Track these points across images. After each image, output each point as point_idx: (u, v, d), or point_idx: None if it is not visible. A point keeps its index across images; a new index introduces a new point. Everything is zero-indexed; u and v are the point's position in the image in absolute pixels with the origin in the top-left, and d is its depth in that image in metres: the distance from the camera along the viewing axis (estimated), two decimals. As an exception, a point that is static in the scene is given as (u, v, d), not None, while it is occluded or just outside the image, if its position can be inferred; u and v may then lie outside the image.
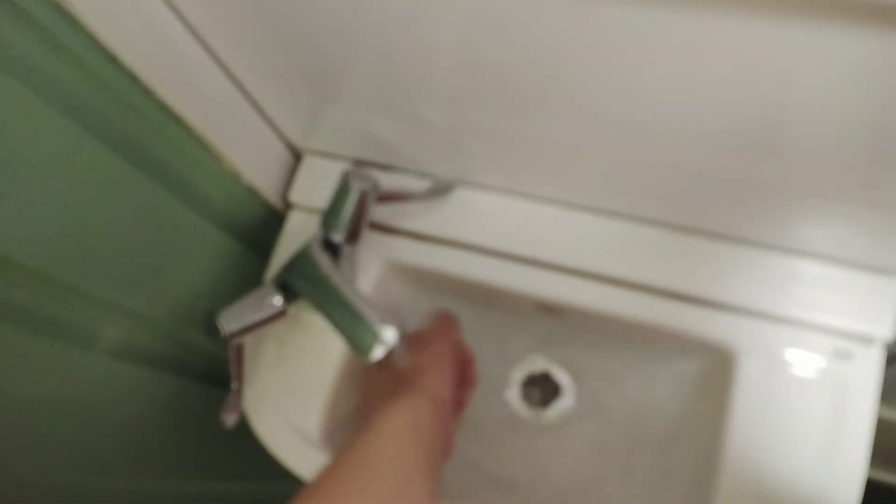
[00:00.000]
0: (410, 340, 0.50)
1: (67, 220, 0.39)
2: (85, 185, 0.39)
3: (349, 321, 0.44)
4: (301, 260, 0.50)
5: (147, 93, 0.41)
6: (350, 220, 0.50)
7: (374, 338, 0.43)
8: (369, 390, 0.52)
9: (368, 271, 0.55)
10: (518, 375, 0.61)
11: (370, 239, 0.56)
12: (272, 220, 0.58)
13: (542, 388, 0.61)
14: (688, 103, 0.38)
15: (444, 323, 0.57)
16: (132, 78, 0.40)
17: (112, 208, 0.42)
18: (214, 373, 0.57)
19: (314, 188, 0.58)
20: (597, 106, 0.42)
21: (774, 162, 0.41)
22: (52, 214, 0.37)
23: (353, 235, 0.51)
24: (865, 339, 0.47)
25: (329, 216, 0.50)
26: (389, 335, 0.42)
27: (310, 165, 0.58)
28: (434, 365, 0.49)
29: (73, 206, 0.39)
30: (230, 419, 0.51)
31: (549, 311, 0.56)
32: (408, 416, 0.43)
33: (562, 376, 0.59)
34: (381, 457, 0.39)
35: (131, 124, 0.41)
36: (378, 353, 0.42)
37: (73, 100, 0.37)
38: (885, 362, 0.46)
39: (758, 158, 0.41)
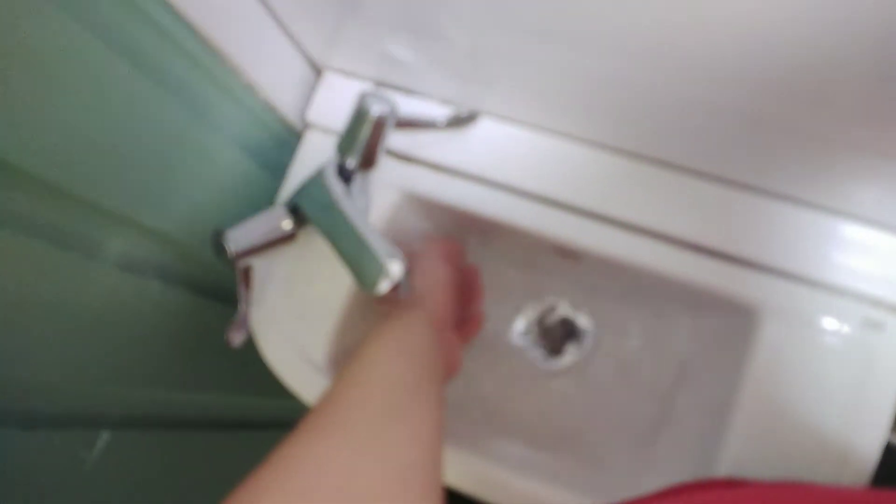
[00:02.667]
0: (409, 265, 0.49)
1: (71, 126, 0.37)
2: (92, 91, 0.38)
3: (355, 251, 0.43)
4: (313, 184, 0.48)
5: (162, 3, 0.39)
6: (366, 146, 0.48)
7: (380, 270, 0.41)
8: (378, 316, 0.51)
9: (382, 200, 0.54)
10: (531, 317, 0.59)
11: (386, 166, 0.54)
12: (289, 139, 0.56)
13: (555, 332, 0.59)
14: (732, 36, 0.35)
15: (443, 246, 0.55)
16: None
17: (120, 117, 0.41)
18: (225, 291, 0.57)
19: (333, 108, 0.55)
20: (633, 32, 0.39)
21: (822, 107, 0.38)
22: (53, 119, 0.36)
23: (368, 161, 0.49)
24: (898, 310, 0.44)
25: (344, 140, 0.48)
26: (395, 268, 0.41)
27: (329, 83, 0.56)
28: (430, 286, 0.48)
29: (77, 111, 0.37)
30: (236, 339, 0.50)
31: (568, 255, 0.54)
32: (396, 335, 0.42)
33: (578, 320, 0.58)
34: (373, 382, 0.38)
35: (143, 32, 0.39)
36: (383, 286, 0.41)
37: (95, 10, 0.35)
38: (917, 335, 0.44)
39: (804, 102, 0.38)
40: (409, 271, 0.49)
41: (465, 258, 0.56)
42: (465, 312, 0.54)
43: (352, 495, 0.28)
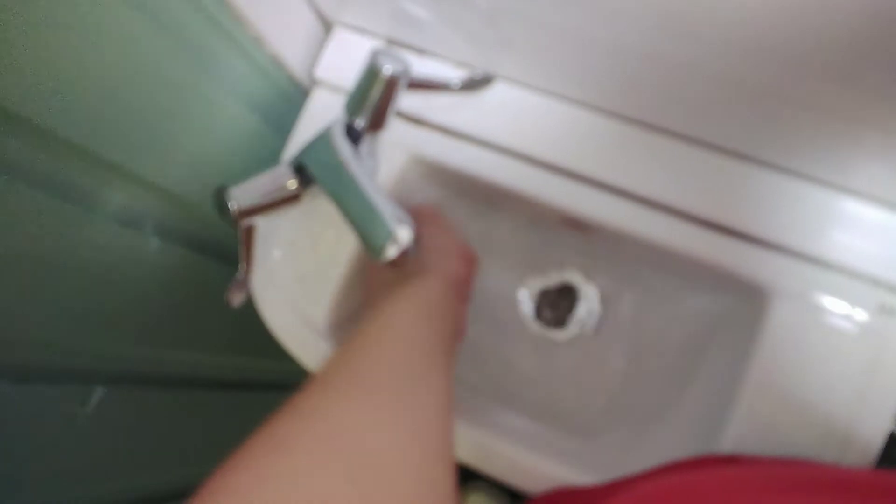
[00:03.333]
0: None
1: (68, 70, 0.36)
2: (91, 33, 0.36)
3: (363, 215, 0.42)
4: (320, 143, 0.47)
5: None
6: (376, 106, 0.46)
7: (389, 236, 0.40)
8: (373, 281, 0.50)
9: (391, 163, 0.52)
10: (537, 287, 0.58)
11: (396, 128, 0.52)
12: (296, 96, 0.55)
13: (560, 303, 0.58)
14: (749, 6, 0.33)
15: (439, 216, 0.53)
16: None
17: (122, 62, 0.39)
18: (226, 250, 0.56)
19: (342, 65, 0.53)
20: (660, 3, 0.37)
21: (842, 82, 0.36)
22: (51, 63, 0.34)
23: (378, 122, 0.47)
24: (915, 297, 0.43)
25: (354, 99, 0.46)
26: (404, 234, 0.40)
27: (339, 39, 0.54)
28: (443, 254, 0.48)
29: (76, 55, 0.36)
30: (236, 299, 0.49)
31: (577, 226, 0.53)
32: (418, 298, 0.42)
33: (584, 292, 0.57)
34: (393, 342, 0.37)
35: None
36: (392, 252, 0.40)
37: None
38: (931, 323, 0.43)
39: (822, 77, 0.36)
40: (418, 238, 0.47)
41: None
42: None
43: (370, 454, 0.28)
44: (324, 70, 0.54)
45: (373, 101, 0.45)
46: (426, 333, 0.39)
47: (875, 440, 0.42)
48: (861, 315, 0.43)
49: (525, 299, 0.59)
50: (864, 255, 0.44)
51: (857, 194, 0.44)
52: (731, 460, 0.43)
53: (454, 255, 0.48)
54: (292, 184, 0.47)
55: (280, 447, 0.27)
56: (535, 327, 0.58)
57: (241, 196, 0.45)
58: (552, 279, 0.58)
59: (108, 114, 0.40)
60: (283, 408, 0.30)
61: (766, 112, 0.42)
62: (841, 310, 0.44)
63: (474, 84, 0.50)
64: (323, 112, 0.54)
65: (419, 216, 0.51)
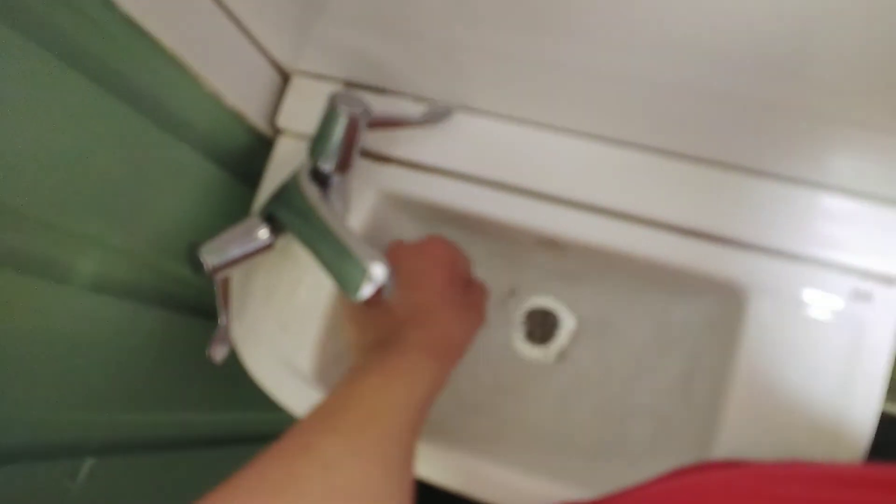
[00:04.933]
0: (403, 273, 0.47)
1: (28, 147, 0.36)
2: (48, 108, 0.36)
3: (336, 256, 0.42)
4: (287, 190, 0.47)
5: (110, 7, 0.38)
6: (339, 148, 0.46)
7: (363, 274, 0.40)
8: (355, 324, 0.49)
9: (361, 202, 0.53)
10: (519, 312, 0.59)
11: (363, 168, 0.53)
12: (261, 147, 0.55)
13: (543, 326, 0.59)
14: (702, 18, 0.34)
15: (445, 251, 0.51)
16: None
17: (79, 134, 0.39)
18: (205, 306, 0.55)
19: (304, 113, 0.54)
20: (602, 21, 0.38)
21: (792, 81, 0.37)
22: (8, 141, 0.34)
23: (344, 164, 0.48)
24: (887, 279, 0.44)
25: (317, 143, 0.47)
26: (378, 272, 0.40)
27: (299, 88, 0.55)
28: (433, 306, 0.46)
29: (34, 132, 0.36)
30: (218, 353, 0.49)
31: (552, 246, 0.53)
32: (400, 389, 0.40)
33: (564, 314, 0.57)
34: (375, 407, 0.38)
35: (98, 44, 0.38)
36: (366, 290, 0.40)
37: (29, 13, 0.33)
38: (906, 303, 0.44)
39: (774, 77, 0.38)
40: (398, 276, 0.47)
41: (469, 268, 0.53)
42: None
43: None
44: (286, 119, 0.54)
45: (336, 144, 0.46)
46: (411, 417, 0.39)
47: (866, 424, 0.43)
48: (837, 303, 0.44)
49: (511, 324, 0.59)
50: (834, 244, 0.45)
51: (818, 186, 0.45)
52: (732, 465, 0.43)
53: (453, 305, 0.47)
54: (264, 234, 0.47)
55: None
56: (521, 350, 0.58)
57: (213, 251, 0.45)
58: (533, 302, 0.58)
59: (71, 184, 0.40)
60: (258, 457, 0.31)
61: (724, 117, 0.43)
62: (817, 300, 0.44)
63: (435, 117, 0.50)
64: (289, 160, 0.54)
65: (428, 250, 0.50)
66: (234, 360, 0.52)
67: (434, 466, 0.49)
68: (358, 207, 0.52)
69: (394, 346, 0.43)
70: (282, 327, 0.52)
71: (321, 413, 0.38)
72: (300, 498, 0.30)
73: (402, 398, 0.39)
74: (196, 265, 0.45)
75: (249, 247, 0.46)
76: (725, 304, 0.48)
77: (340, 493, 0.32)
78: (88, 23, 0.37)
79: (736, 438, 0.44)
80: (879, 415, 0.43)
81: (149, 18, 0.40)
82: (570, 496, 0.47)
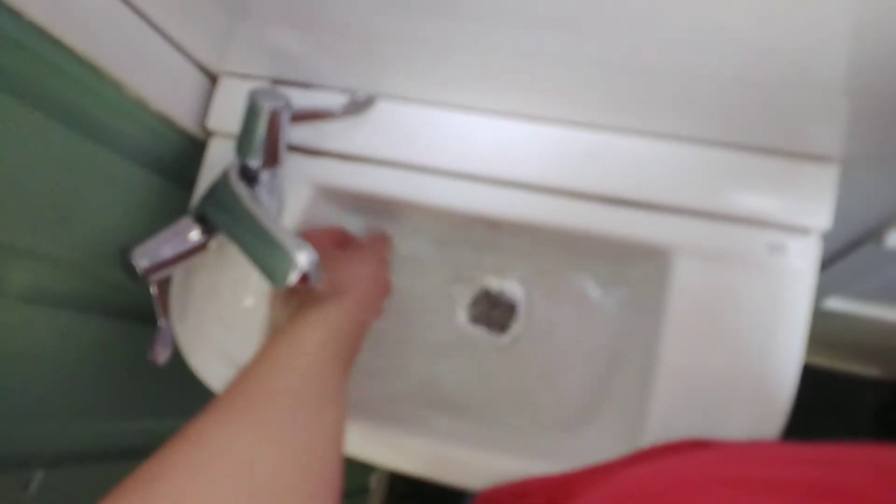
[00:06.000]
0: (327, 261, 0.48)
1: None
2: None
3: (263, 248, 0.43)
4: (217, 189, 0.47)
5: (15, 16, 0.38)
6: (264, 143, 0.47)
7: (289, 263, 0.41)
8: (279, 312, 0.48)
9: (296, 196, 0.53)
10: (465, 293, 0.59)
11: (295, 162, 0.53)
12: (193, 149, 0.55)
13: (490, 305, 0.60)
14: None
15: (330, 234, 0.54)
16: (-6, 0, 0.37)
17: (1, 148, 0.39)
18: (147, 310, 0.56)
19: (233, 113, 0.54)
20: (507, 2, 0.39)
21: (689, 47, 0.39)
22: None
23: (271, 159, 0.48)
24: (801, 231, 0.45)
25: (242, 141, 0.47)
26: (303, 258, 0.41)
27: (226, 88, 0.55)
28: (353, 276, 0.48)
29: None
30: (160, 356, 0.50)
31: (486, 225, 0.54)
32: (326, 323, 0.42)
33: (509, 290, 0.58)
34: (290, 371, 0.38)
35: (14, 57, 0.38)
36: (293, 277, 0.41)
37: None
38: (821, 252, 0.45)
39: (675, 46, 0.39)
40: (324, 264, 0.48)
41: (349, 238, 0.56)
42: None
43: (252, 477, 0.28)
44: (216, 120, 0.55)
45: (260, 139, 0.47)
46: (327, 358, 0.40)
47: (790, 376, 0.44)
48: (755, 257, 0.45)
49: (458, 307, 0.60)
50: (745, 200, 0.46)
51: (726, 145, 0.47)
52: (702, 445, 0.44)
53: (365, 278, 0.49)
54: (195, 234, 0.47)
55: (166, 473, 0.28)
56: (473, 333, 0.59)
57: (145, 254, 0.46)
58: (480, 282, 0.59)
59: (-2, 197, 0.40)
60: (176, 434, 0.31)
61: (632, 84, 0.44)
62: (736, 256, 0.46)
63: (358, 106, 0.51)
64: (222, 161, 0.55)
65: (352, 244, 0.53)
66: (182, 363, 0.52)
67: (398, 454, 0.50)
68: (293, 201, 0.53)
69: (296, 311, 0.44)
70: (226, 326, 0.52)
71: (234, 390, 0.37)
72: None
73: (312, 346, 0.40)
74: (129, 269, 0.46)
75: (181, 247, 0.47)
76: (653, 268, 0.49)
77: (248, 496, 0.29)
78: (8, 42, 0.37)
79: (668, 399, 0.45)
80: (803, 364, 0.45)
81: (59, 26, 0.41)
82: (538, 470, 0.47)
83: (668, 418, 0.45)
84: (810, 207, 0.45)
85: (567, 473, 0.46)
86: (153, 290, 0.48)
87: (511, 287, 0.58)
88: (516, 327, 0.58)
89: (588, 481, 0.44)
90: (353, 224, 0.58)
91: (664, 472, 0.38)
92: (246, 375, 0.37)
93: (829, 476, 0.30)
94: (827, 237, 0.46)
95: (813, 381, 0.47)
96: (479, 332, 0.58)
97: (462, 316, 0.59)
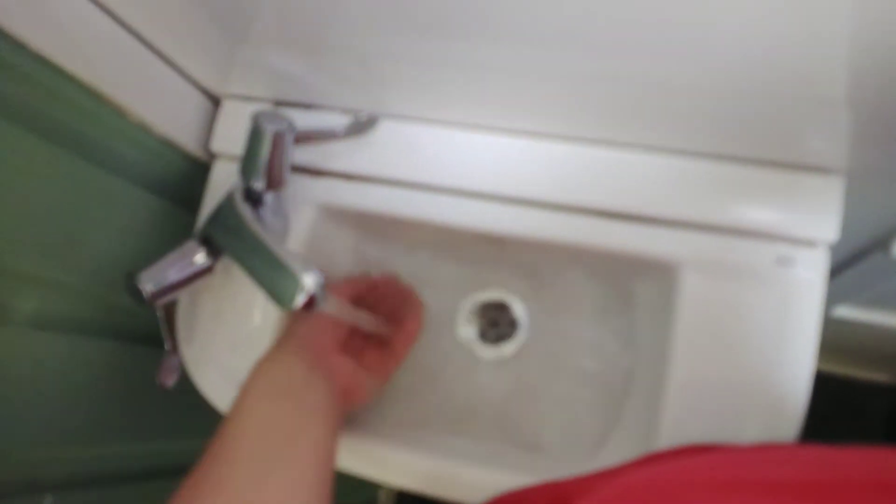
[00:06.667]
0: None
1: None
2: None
3: (270, 270, 0.42)
4: (222, 212, 0.48)
5: (20, 47, 0.38)
6: (268, 165, 0.47)
7: (295, 285, 0.41)
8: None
9: (301, 217, 0.53)
10: (469, 310, 0.59)
11: (299, 183, 0.53)
12: (197, 172, 0.56)
13: (494, 322, 0.60)
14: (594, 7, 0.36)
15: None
16: (-2, 32, 0.37)
17: (4, 176, 0.40)
18: (154, 334, 0.56)
19: (237, 135, 0.54)
20: (506, 20, 0.39)
21: (687, 62, 0.39)
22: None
23: (275, 181, 0.48)
24: (808, 243, 0.45)
25: (246, 163, 0.48)
26: (309, 281, 0.41)
27: (229, 111, 0.55)
28: (301, 317, 0.47)
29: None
30: (168, 379, 0.50)
31: (491, 242, 0.54)
32: (269, 379, 0.42)
33: (513, 307, 0.58)
34: (245, 435, 0.38)
35: (7, 82, 0.38)
36: (299, 300, 0.41)
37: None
38: (829, 263, 0.45)
39: (673, 60, 0.39)
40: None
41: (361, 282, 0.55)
42: (390, 326, 0.53)
43: None
44: (220, 142, 0.55)
45: (264, 162, 0.47)
46: (282, 413, 0.40)
47: (802, 387, 0.44)
48: (762, 270, 0.45)
49: (461, 323, 0.60)
50: (752, 213, 0.46)
51: (733, 159, 0.47)
52: (705, 449, 0.44)
53: (320, 317, 0.47)
54: (200, 257, 0.47)
55: None
56: (475, 348, 0.59)
57: (150, 278, 0.46)
58: (484, 299, 0.59)
59: (5, 226, 0.40)
60: None
61: (633, 99, 0.44)
62: (744, 269, 0.45)
63: (360, 127, 0.51)
64: (227, 183, 0.55)
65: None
66: (190, 385, 0.52)
67: (399, 471, 0.50)
68: (297, 222, 0.53)
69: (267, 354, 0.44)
70: (232, 348, 0.52)
71: (202, 463, 0.37)
72: None
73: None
74: (135, 294, 0.46)
75: (187, 271, 0.47)
76: (659, 283, 0.49)
77: None
78: (11, 72, 0.37)
79: (680, 413, 0.45)
80: (814, 375, 0.44)
81: (62, 55, 0.41)
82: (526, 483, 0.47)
83: (680, 433, 0.45)
84: (817, 219, 0.45)
85: (570, 478, 0.46)
86: (159, 314, 0.48)
87: (514, 303, 0.58)
88: (518, 343, 0.58)
89: (590, 485, 0.44)
90: (354, 243, 0.58)
91: (666, 474, 0.38)
92: (211, 446, 0.38)
93: (831, 478, 0.30)
94: (834, 248, 0.46)
95: (823, 388, 0.46)
96: (482, 348, 0.58)
97: (464, 332, 0.59)
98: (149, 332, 0.55)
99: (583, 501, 0.37)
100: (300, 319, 0.47)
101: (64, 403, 0.48)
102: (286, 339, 0.46)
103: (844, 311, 0.78)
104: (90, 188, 0.46)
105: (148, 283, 0.45)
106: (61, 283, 0.46)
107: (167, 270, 0.46)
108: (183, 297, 0.54)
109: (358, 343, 0.52)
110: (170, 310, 0.50)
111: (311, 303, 0.41)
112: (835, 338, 0.87)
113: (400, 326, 0.53)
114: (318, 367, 0.44)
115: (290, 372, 0.42)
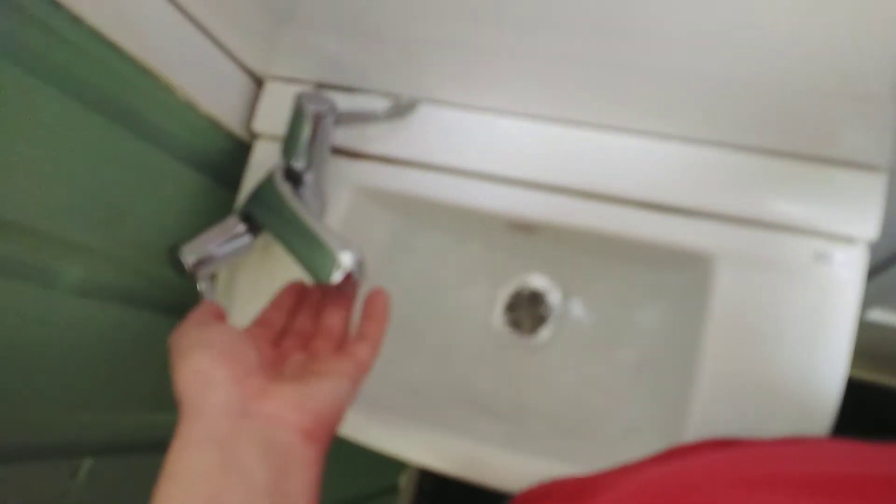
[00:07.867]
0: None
1: (12, 160, 0.38)
2: (28, 123, 0.38)
3: (308, 247, 0.43)
4: (262, 189, 0.49)
5: (76, 22, 0.40)
6: (309, 145, 0.48)
7: (333, 261, 0.42)
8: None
9: (338, 198, 0.54)
10: (502, 296, 0.60)
11: (337, 165, 0.54)
12: (239, 150, 0.57)
13: (526, 308, 0.60)
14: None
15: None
16: (56, 5, 0.38)
17: (59, 146, 0.41)
18: (193, 307, 0.57)
19: (279, 116, 0.55)
20: (549, 7, 0.40)
21: (735, 53, 0.39)
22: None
23: (315, 161, 0.49)
24: (847, 240, 0.45)
25: (288, 143, 0.49)
26: (347, 258, 0.41)
27: (272, 92, 0.56)
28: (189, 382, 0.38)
29: (15, 145, 0.38)
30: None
31: (524, 229, 0.54)
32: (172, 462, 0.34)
33: (547, 296, 0.59)
34: None
35: (64, 56, 0.40)
36: (336, 276, 0.41)
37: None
38: (868, 262, 0.45)
39: (727, 52, 0.39)
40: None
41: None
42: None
43: None
44: (261, 122, 0.56)
45: (305, 142, 0.48)
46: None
47: (833, 388, 0.43)
48: (798, 266, 0.45)
49: (493, 310, 0.60)
50: (792, 208, 0.46)
51: (775, 153, 0.46)
52: (725, 444, 0.44)
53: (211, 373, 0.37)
54: (241, 232, 0.49)
55: None
56: (506, 335, 0.59)
57: (193, 251, 0.47)
58: (517, 286, 0.60)
59: (55, 194, 0.42)
60: None
61: (678, 91, 0.44)
62: (780, 264, 0.45)
63: (400, 110, 0.52)
64: (267, 162, 0.56)
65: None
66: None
67: (429, 452, 0.51)
68: (335, 203, 0.54)
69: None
70: (268, 323, 0.53)
71: None
72: None
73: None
74: (178, 266, 0.47)
75: (228, 245, 0.48)
76: (693, 274, 0.49)
77: None
78: (57, 38, 0.39)
79: (709, 408, 0.45)
80: (847, 378, 0.44)
81: (116, 31, 0.42)
82: (563, 471, 0.48)
83: (708, 427, 0.45)
84: (857, 216, 0.44)
85: (591, 474, 0.46)
86: (200, 286, 0.49)
87: (548, 292, 0.58)
88: (552, 331, 0.58)
89: (611, 481, 0.44)
90: (390, 224, 0.59)
91: (686, 470, 0.38)
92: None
93: (867, 473, 0.29)
94: (873, 247, 0.45)
95: (853, 395, 0.46)
96: (515, 335, 0.59)
97: (498, 318, 0.59)
98: (188, 305, 0.56)
99: (604, 496, 0.37)
100: (186, 387, 0.37)
101: (105, 370, 0.50)
102: (188, 422, 0.36)
103: (878, 315, 0.76)
104: (137, 162, 0.48)
105: (190, 255, 0.47)
106: (107, 253, 0.47)
107: (209, 244, 0.48)
108: (221, 274, 0.55)
109: (294, 342, 0.41)
110: (211, 281, 0.51)
111: (348, 279, 0.42)
112: (867, 342, 0.86)
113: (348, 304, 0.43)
114: (244, 431, 0.34)
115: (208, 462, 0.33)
